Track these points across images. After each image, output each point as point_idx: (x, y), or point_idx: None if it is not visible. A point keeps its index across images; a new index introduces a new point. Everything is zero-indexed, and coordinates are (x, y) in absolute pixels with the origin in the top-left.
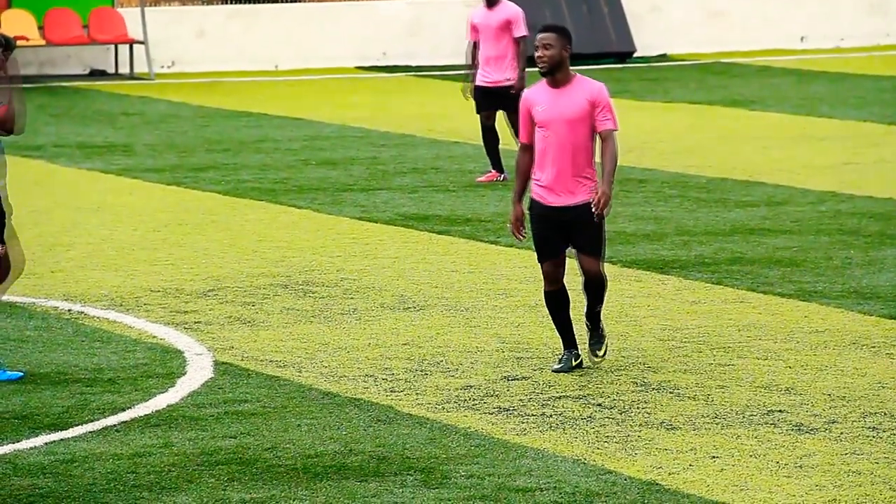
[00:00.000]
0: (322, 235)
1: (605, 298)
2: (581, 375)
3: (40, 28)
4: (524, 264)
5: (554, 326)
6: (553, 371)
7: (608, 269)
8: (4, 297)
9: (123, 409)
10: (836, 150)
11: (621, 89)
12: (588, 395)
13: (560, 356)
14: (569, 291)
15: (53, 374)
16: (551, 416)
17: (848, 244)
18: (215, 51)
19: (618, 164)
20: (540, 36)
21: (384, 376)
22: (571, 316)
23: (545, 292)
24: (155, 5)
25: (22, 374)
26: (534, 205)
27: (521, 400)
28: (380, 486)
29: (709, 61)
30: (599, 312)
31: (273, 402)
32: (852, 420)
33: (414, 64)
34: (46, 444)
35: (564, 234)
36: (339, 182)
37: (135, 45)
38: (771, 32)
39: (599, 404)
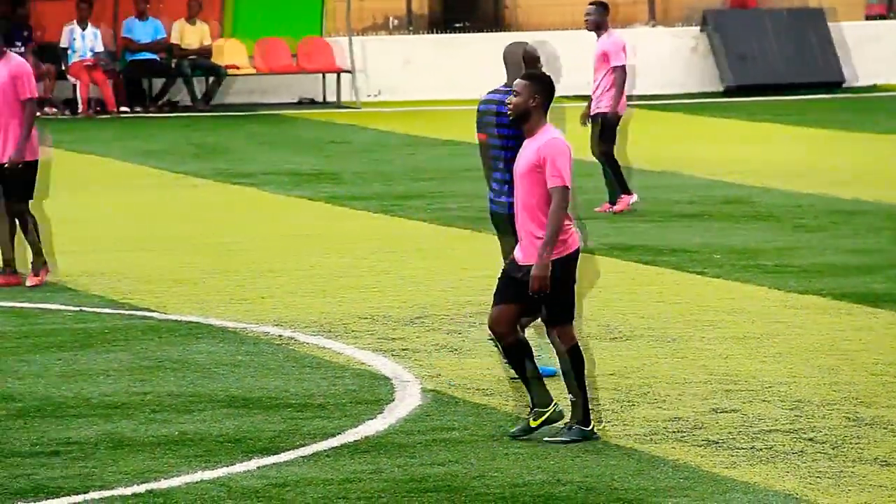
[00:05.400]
0: None
1: (583, 372)
2: (791, 409)
3: (251, 57)
4: (731, 296)
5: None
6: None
7: (817, 301)
8: (217, 322)
9: (333, 435)
10: None
11: (830, 119)
12: (799, 429)
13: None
14: (529, 344)
15: (265, 399)
16: (761, 449)
17: None
18: (421, 80)
19: (560, 224)
20: (514, 82)
21: (591, 406)
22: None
23: (501, 347)
24: (362, 35)
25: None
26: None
27: (729, 433)
28: None
29: None
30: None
31: (481, 430)
32: None
33: None
34: (259, 468)
35: (522, 290)
36: None
37: (342, 74)
38: None
39: (811, 439)
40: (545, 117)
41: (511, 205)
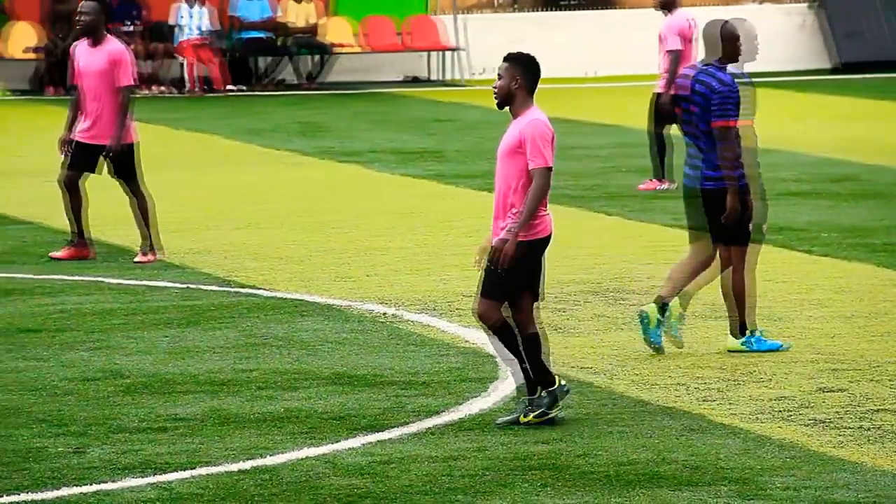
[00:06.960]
0: (632, 242)
1: (533, 354)
2: None
3: (357, 35)
4: (839, 275)
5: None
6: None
7: None
8: (322, 299)
9: (438, 413)
10: None
11: None
12: None
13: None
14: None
15: (370, 377)
16: (869, 429)
17: None
18: None
19: (537, 205)
20: (498, 65)
21: (696, 385)
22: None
23: (492, 332)
24: (468, 13)
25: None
26: None
27: (837, 412)
28: (693, 495)
29: None
30: (527, 369)
31: (585, 408)
32: None
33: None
34: (364, 444)
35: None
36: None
37: (448, 52)
38: None
39: None
40: (530, 99)
41: (704, 178)
